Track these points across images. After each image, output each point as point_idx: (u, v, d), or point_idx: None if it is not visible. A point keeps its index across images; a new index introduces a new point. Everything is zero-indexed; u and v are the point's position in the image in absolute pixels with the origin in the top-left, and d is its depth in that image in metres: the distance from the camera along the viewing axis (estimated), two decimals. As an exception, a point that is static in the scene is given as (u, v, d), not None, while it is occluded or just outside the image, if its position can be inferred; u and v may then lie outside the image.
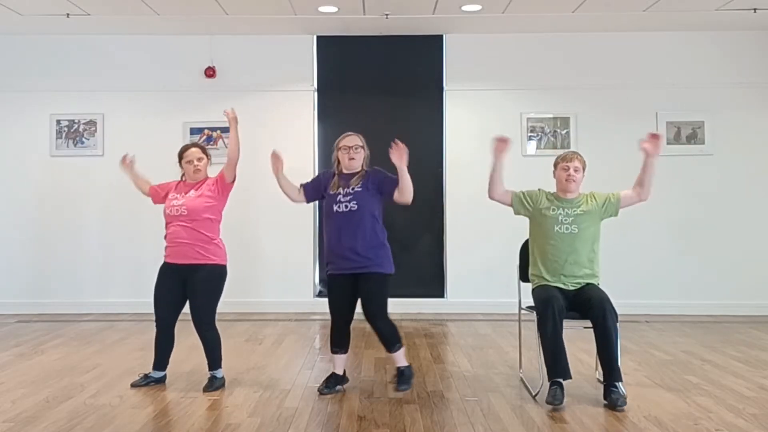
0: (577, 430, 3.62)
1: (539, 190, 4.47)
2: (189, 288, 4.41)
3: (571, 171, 4.32)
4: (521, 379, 4.64)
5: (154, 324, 4.51)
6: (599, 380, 4.56)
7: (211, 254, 4.42)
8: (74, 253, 7.64)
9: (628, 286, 7.19)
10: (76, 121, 7.67)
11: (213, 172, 4.65)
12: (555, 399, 3.95)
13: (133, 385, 4.45)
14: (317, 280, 7.74)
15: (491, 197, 4.44)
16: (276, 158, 4.37)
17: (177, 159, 4.60)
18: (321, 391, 4.28)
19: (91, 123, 7.67)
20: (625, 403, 3.95)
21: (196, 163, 4.51)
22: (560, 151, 7.36)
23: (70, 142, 7.67)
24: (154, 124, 7.61)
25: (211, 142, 7.60)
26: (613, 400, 3.95)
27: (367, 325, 4.24)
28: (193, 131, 7.61)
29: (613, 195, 4.39)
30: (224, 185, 4.52)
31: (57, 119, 7.65)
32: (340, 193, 4.23)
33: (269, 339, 6.11)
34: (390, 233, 7.53)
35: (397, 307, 7.35)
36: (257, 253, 7.54)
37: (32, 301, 7.51)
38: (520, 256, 4.67)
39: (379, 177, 4.28)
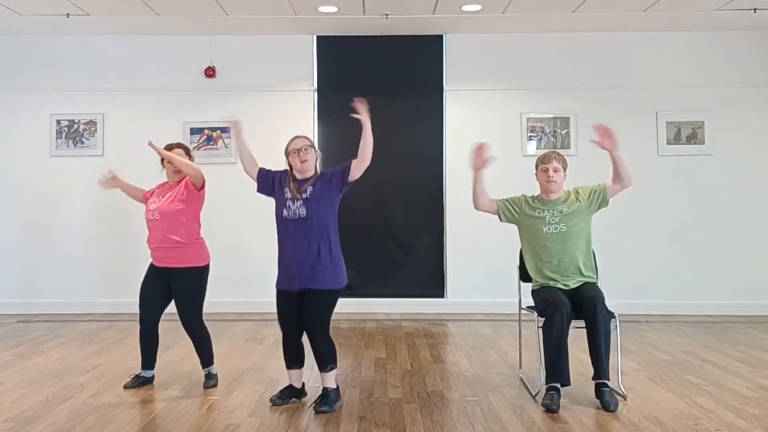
0: (576, 430, 3.62)
1: (522, 195, 4.46)
2: (174, 290, 4.46)
3: (551, 172, 4.29)
4: (521, 379, 4.64)
5: (138, 321, 4.54)
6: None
7: (189, 257, 4.43)
8: (74, 253, 7.63)
9: (628, 286, 7.20)
10: (76, 121, 7.67)
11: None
12: (553, 404, 3.90)
13: (127, 387, 4.44)
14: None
15: (477, 208, 4.45)
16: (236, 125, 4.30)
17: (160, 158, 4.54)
18: (273, 402, 4.07)
19: (91, 123, 7.67)
20: (617, 407, 3.91)
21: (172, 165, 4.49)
22: (560, 152, 7.40)
23: (70, 142, 7.67)
24: (154, 124, 7.59)
25: (211, 142, 7.60)
26: (605, 402, 3.92)
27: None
28: (193, 131, 7.61)
29: (598, 186, 4.34)
30: (192, 191, 4.47)
31: (57, 119, 7.65)
32: (289, 198, 4.00)
33: (269, 339, 6.10)
34: (390, 233, 7.63)
35: (397, 307, 7.45)
36: (256, 253, 7.52)
37: (32, 301, 7.52)
38: (520, 256, 4.66)
39: (328, 173, 4.08)
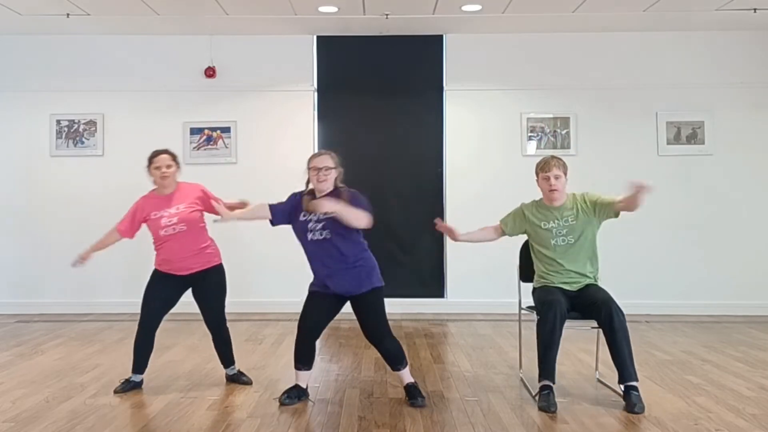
0: (577, 430, 3.62)
1: (521, 206, 4.42)
2: (205, 293, 4.48)
3: (552, 180, 4.20)
4: (521, 379, 4.64)
5: (138, 325, 4.50)
6: (599, 380, 4.59)
7: (212, 257, 4.51)
8: (74, 253, 7.58)
9: (628, 286, 7.17)
10: (76, 121, 7.67)
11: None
12: (550, 405, 3.89)
13: (117, 392, 4.33)
14: (317, 280, 7.73)
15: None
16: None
17: (147, 164, 4.48)
18: (282, 402, 4.08)
19: (91, 123, 7.67)
20: (643, 409, 3.87)
21: (164, 169, 4.41)
22: (560, 152, 7.42)
23: (70, 142, 7.67)
24: (154, 124, 7.60)
25: (211, 142, 7.60)
26: (630, 404, 3.88)
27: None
28: (193, 131, 7.61)
29: (607, 201, 4.21)
30: (209, 207, 4.45)
31: (57, 119, 7.65)
32: (310, 220, 4.03)
33: (269, 339, 6.11)
34: (390, 233, 7.61)
35: (397, 307, 7.43)
36: (257, 253, 7.53)
37: (32, 301, 7.52)
38: (520, 256, 4.67)
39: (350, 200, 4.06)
